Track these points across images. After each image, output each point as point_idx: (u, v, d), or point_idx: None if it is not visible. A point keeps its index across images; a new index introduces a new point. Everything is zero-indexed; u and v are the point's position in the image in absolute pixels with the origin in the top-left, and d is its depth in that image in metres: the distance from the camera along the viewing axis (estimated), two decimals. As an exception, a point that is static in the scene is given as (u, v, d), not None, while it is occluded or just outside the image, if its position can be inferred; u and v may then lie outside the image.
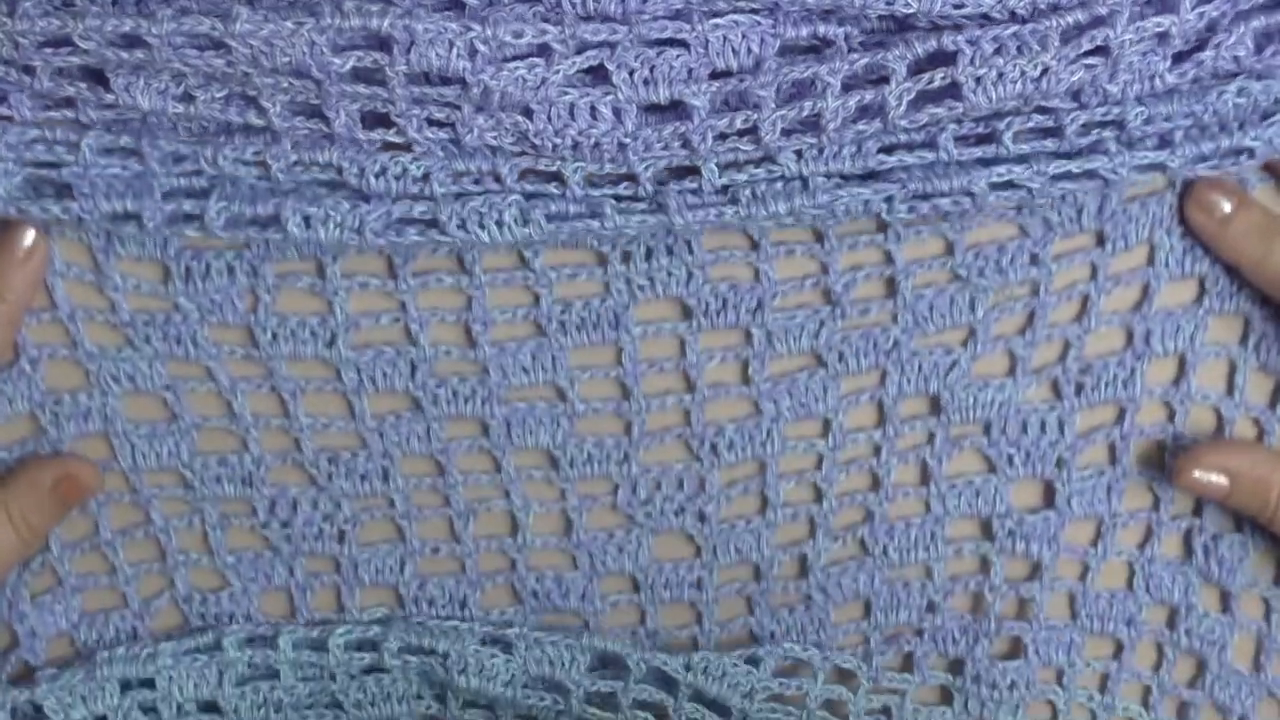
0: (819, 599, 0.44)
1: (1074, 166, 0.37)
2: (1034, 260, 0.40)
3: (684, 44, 0.36)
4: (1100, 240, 0.40)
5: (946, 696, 0.45)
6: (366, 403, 0.42)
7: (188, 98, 0.37)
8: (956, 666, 0.45)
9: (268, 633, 0.44)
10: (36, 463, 0.42)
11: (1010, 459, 0.42)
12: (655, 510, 0.43)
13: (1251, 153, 0.37)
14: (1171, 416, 0.42)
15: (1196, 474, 0.41)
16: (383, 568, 0.43)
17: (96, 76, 0.37)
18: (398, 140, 0.37)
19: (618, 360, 0.41)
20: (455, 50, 0.34)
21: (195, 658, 0.43)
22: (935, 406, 0.42)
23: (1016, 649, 0.45)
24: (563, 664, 0.43)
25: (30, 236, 0.40)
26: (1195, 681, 0.45)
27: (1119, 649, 0.44)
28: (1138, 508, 0.43)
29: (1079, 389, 0.42)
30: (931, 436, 0.42)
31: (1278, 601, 0.44)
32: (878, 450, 0.42)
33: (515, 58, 0.35)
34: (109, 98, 0.38)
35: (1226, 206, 0.40)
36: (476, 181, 0.38)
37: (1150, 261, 0.41)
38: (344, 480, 0.42)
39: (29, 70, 0.37)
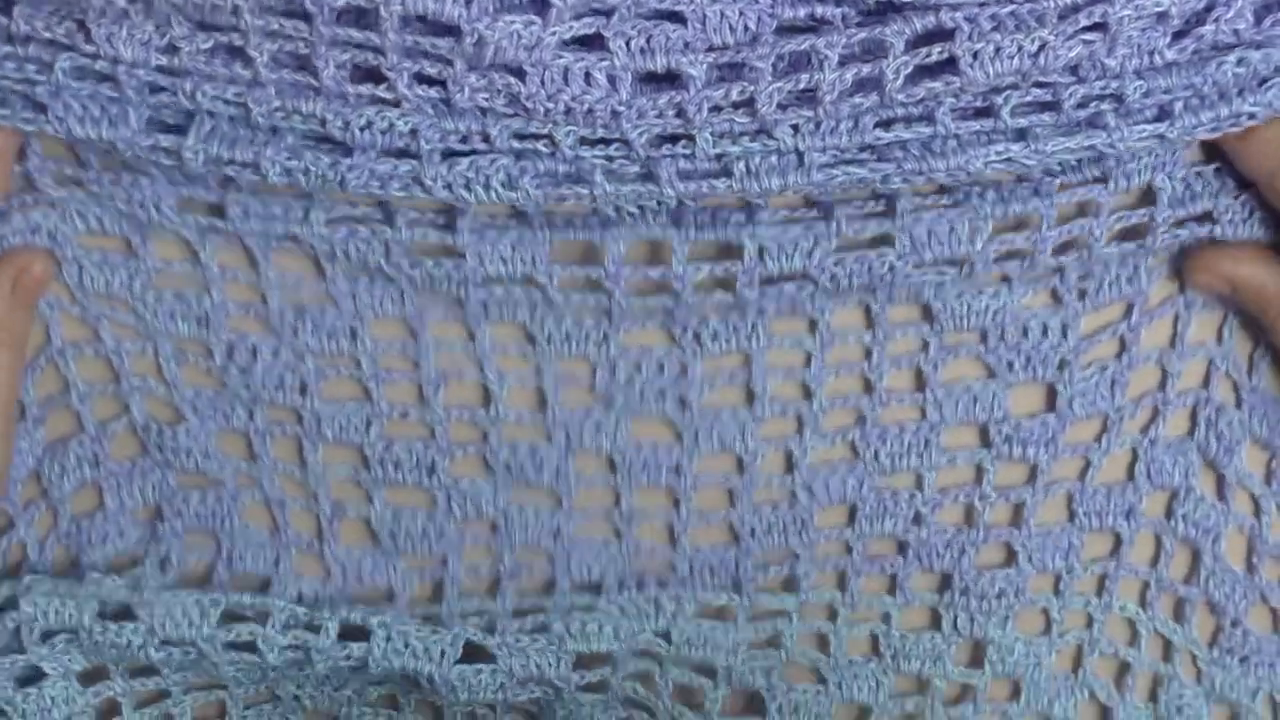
0: (803, 498, 0.43)
1: (1072, 143, 0.37)
2: (1036, 194, 0.40)
3: (682, 19, 0.36)
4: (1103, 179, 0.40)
5: (934, 620, 0.45)
6: (338, 268, 0.41)
7: (171, 49, 0.37)
8: (943, 583, 0.45)
9: (252, 614, 0.43)
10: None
11: (1009, 365, 0.42)
12: (635, 394, 0.42)
13: (1253, 116, 0.37)
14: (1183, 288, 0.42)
15: (1206, 277, 0.41)
16: (347, 425, 0.42)
17: (77, 23, 0.37)
18: (387, 96, 0.36)
19: (598, 253, 0.40)
20: None
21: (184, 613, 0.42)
22: (928, 315, 0.42)
23: (1007, 557, 0.44)
24: (548, 665, 0.43)
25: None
26: (1191, 577, 0.45)
27: (1117, 545, 0.44)
28: (1144, 391, 0.43)
29: (1081, 294, 0.41)
30: (925, 344, 0.42)
31: (1266, 502, 0.43)
32: (869, 353, 0.42)
33: (513, 9, 0.35)
34: (88, 47, 0.37)
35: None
36: (464, 140, 0.37)
37: (1152, 201, 0.40)
38: (309, 336, 0.42)
39: (5, 8, 0.37)
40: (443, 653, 0.42)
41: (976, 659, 0.45)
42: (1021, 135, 0.37)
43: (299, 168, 0.36)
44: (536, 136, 0.37)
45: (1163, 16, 0.36)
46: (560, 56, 0.35)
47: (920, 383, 0.43)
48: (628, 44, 0.36)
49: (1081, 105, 0.37)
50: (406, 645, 0.42)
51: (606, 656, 0.43)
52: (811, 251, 0.40)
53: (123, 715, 0.44)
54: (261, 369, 0.42)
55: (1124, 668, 0.46)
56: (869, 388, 0.43)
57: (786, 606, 0.44)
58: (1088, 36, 0.36)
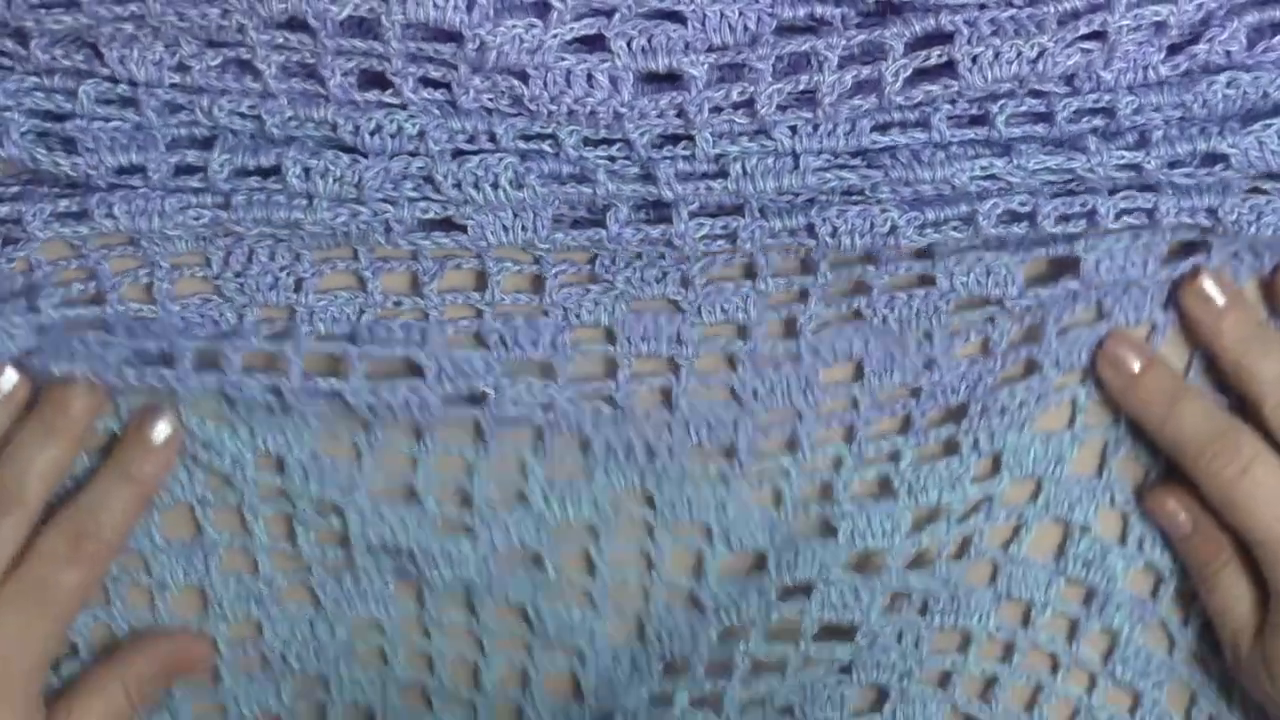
0: (808, 359, 0.42)
1: (1053, 162, 0.37)
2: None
3: (682, 19, 0.36)
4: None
5: (950, 447, 0.44)
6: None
7: (182, 67, 0.37)
8: (959, 411, 0.43)
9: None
10: (152, 637, 0.44)
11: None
12: (635, 277, 0.41)
13: (1227, 161, 0.37)
14: None
15: (1168, 505, 0.43)
16: (340, 315, 0.42)
17: (91, 48, 0.37)
18: (393, 101, 0.37)
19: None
20: (453, 1, 0.34)
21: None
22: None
23: (1027, 369, 0.43)
24: (530, 534, 0.43)
25: (165, 424, 0.42)
26: None
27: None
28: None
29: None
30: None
31: None
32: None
33: (514, 12, 0.35)
34: (104, 70, 0.38)
35: (1135, 365, 0.41)
36: (471, 140, 0.37)
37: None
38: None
39: (23, 40, 0.37)
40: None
41: (995, 469, 0.44)
42: (1006, 150, 0.37)
43: (318, 168, 0.37)
44: (541, 137, 0.37)
45: (1160, 28, 0.36)
46: (562, 58, 0.36)
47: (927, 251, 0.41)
48: (629, 44, 0.36)
49: (1074, 119, 0.37)
50: None
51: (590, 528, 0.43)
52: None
53: None
54: (257, 270, 0.41)
55: (1146, 474, 0.44)
56: (872, 259, 0.41)
57: (785, 464, 0.43)
58: (1086, 45, 0.36)
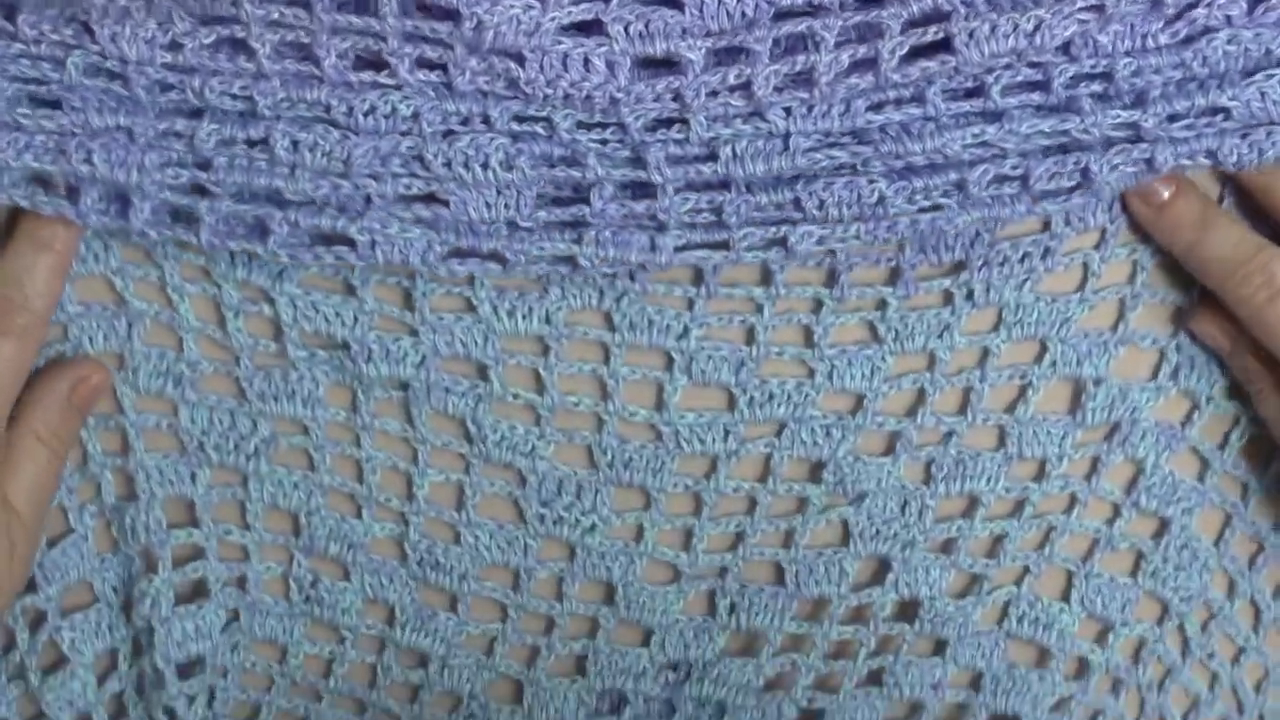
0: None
1: (1046, 125, 0.37)
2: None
3: (679, 4, 0.36)
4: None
5: (945, 299, 0.42)
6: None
7: (175, 45, 0.37)
8: (957, 266, 0.41)
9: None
10: (49, 375, 0.42)
11: None
12: None
13: (1228, 113, 0.37)
14: None
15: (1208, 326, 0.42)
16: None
17: (81, 25, 0.37)
18: (389, 81, 0.37)
19: None
20: None
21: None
22: None
23: (1043, 224, 0.41)
24: (475, 344, 0.42)
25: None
26: None
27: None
28: None
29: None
30: None
31: None
32: None
33: None
34: (95, 48, 0.37)
35: (1165, 193, 0.40)
36: (464, 122, 0.37)
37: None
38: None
39: (10, 14, 0.37)
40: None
41: (995, 325, 0.42)
42: (998, 117, 0.37)
43: (307, 141, 0.37)
44: (535, 119, 0.37)
45: (1157, 2, 0.36)
46: (559, 42, 0.36)
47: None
48: (626, 29, 0.36)
49: (1071, 85, 0.37)
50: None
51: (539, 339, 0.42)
52: None
53: None
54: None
55: (1178, 312, 0.43)
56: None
57: (757, 297, 0.41)
58: (1083, 16, 0.36)
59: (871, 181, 0.38)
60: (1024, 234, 0.41)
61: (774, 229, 0.38)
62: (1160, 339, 0.43)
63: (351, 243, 0.38)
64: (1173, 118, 0.37)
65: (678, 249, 0.38)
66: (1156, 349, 0.43)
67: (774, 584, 0.45)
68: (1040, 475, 0.43)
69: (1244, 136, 0.37)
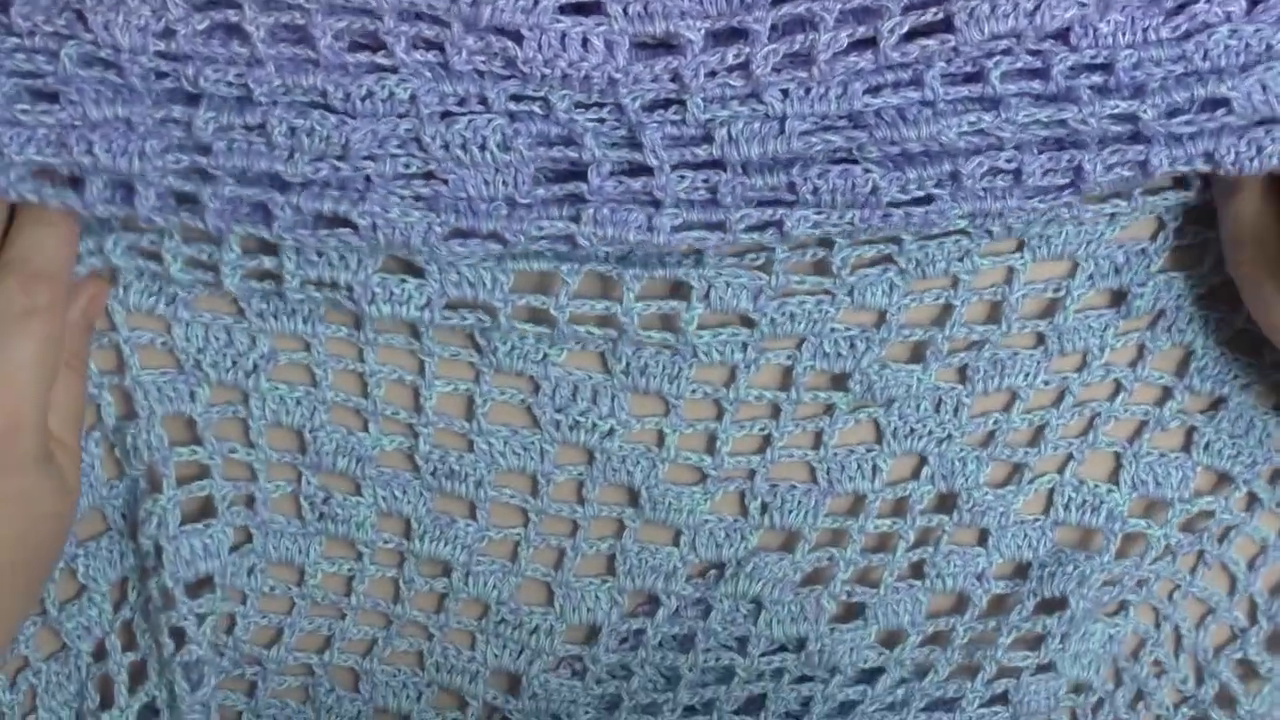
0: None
1: (1044, 115, 0.37)
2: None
3: None
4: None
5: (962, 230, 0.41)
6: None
7: (168, 32, 0.37)
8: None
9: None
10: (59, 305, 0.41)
11: None
12: None
13: (1229, 106, 0.37)
14: None
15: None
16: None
17: (75, 14, 0.37)
18: (385, 62, 0.36)
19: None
20: None
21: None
22: None
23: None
24: (484, 285, 0.41)
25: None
26: None
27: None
28: None
29: None
30: None
31: None
32: None
33: None
34: (88, 36, 0.37)
35: None
36: (461, 103, 0.37)
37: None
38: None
39: (3, 6, 0.37)
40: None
41: (1017, 246, 0.42)
42: (995, 104, 0.37)
43: (304, 127, 0.36)
44: (532, 99, 0.37)
45: None
46: (558, 20, 0.35)
47: None
48: (625, 9, 0.36)
49: (1071, 75, 0.37)
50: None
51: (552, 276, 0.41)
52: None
53: None
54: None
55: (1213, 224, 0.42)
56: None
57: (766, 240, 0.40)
58: None
59: (866, 170, 0.37)
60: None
61: (770, 211, 0.38)
62: (1206, 234, 0.42)
63: (354, 225, 0.38)
64: (1172, 112, 0.37)
65: (674, 229, 0.38)
66: (1200, 239, 0.42)
67: (806, 482, 0.45)
68: (1082, 366, 0.43)
69: (1241, 136, 0.37)
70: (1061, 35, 0.36)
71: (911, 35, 0.36)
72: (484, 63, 0.36)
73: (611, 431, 0.43)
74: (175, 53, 0.37)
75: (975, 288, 0.42)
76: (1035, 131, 0.37)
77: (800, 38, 0.36)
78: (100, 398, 0.44)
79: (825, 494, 0.44)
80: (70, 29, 0.37)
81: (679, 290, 0.41)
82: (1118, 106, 0.37)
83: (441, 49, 0.36)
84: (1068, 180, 0.38)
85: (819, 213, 0.38)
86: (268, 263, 0.41)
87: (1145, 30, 0.36)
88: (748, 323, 0.42)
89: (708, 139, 0.37)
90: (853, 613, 0.46)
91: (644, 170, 0.38)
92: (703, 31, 0.36)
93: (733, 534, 0.45)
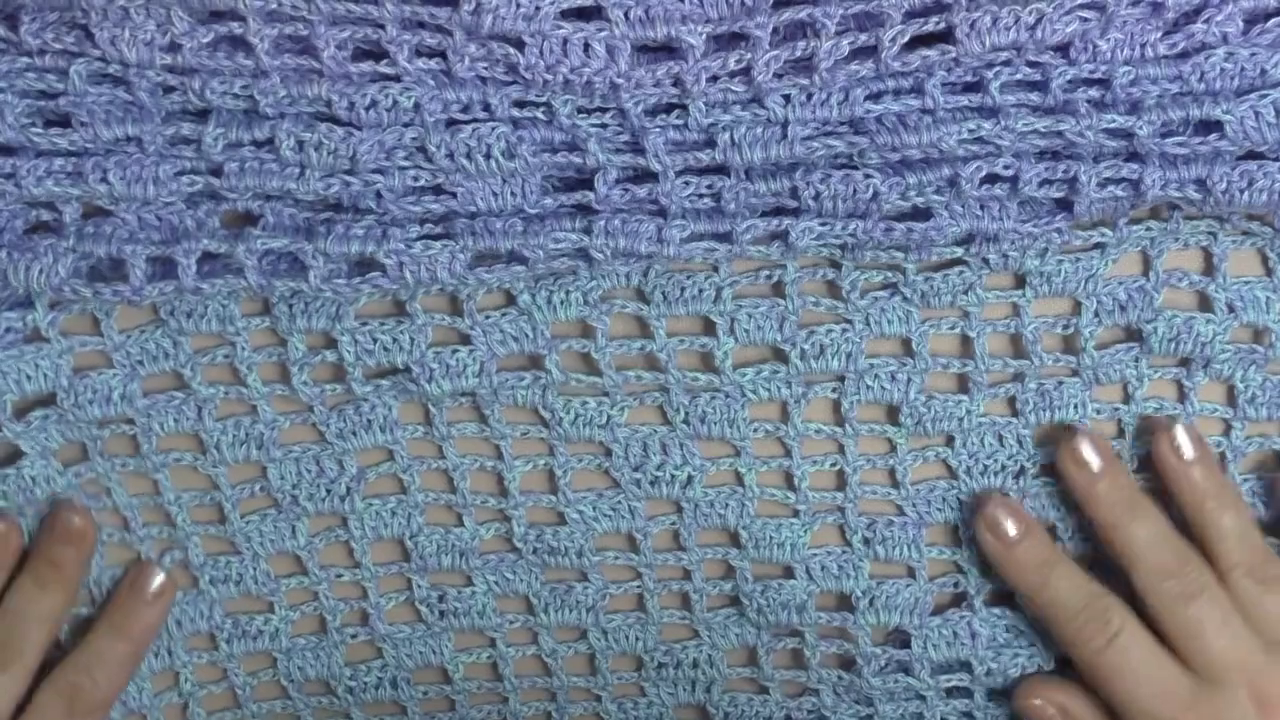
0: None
1: (1042, 125, 0.37)
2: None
3: None
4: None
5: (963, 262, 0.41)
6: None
7: (174, 46, 0.37)
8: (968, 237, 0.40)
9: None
10: (54, 515, 0.43)
11: None
12: None
13: (1221, 129, 0.37)
14: None
15: (1033, 703, 0.44)
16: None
17: (82, 30, 0.37)
18: (388, 71, 0.37)
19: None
20: None
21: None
22: None
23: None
24: (526, 337, 0.42)
25: (158, 579, 0.43)
26: None
27: None
28: None
29: None
30: None
31: None
32: None
33: None
34: (95, 52, 0.37)
35: (1013, 531, 0.42)
36: (465, 110, 0.37)
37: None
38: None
39: (13, 24, 0.37)
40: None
41: (1016, 283, 0.42)
42: (994, 114, 0.37)
43: (312, 141, 0.37)
44: (535, 105, 0.37)
45: (1158, 8, 0.36)
46: (559, 26, 0.36)
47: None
48: (626, 14, 0.36)
49: (1069, 89, 0.37)
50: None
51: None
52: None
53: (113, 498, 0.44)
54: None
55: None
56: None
57: (775, 255, 0.40)
58: (1084, 14, 0.36)
59: (867, 176, 0.38)
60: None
61: (775, 221, 0.38)
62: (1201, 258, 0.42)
63: (382, 267, 0.39)
64: (1166, 132, 0.37)
65: (683, 240, 0.38)
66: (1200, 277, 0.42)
67: (898, 515, 0.44)
68: (1127, 399, 0.43)
69: (1234, 167, 0.38)
70: (1061, 49, 0.37)
71: (913, 45, 0.36)
72: (486, 70, 0.36)
73: (690, 480, 0.44)
74: (182, 66, 0.37)
75: (987, 319, 0.42)
76: (1033, 141, 0.37)
77: (801, 44, 0.36)
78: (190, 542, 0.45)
79: (919, 525, 0.44)
80: (79, 46, 0.37)
81: (709, 328, 0.42)
82: (1114, 121, 0.37)
83: (444, 57, 0.36)
84: (1062, 194, 0.38)
85: (823, 223, 0.38)
86: (330, 356, 0.42)
87: (1143, 47, 0.37)
88: (781, 356, 0.42)
89: (710, 143, 0.37)
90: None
91: (649, 176, 0.38)
92: (704, 36, 0.36)
93: (845, 565, 0.45)
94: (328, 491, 0.44)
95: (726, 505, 0.44)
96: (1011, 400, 0.43)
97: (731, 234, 0.38)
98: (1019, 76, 0.37)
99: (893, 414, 0.43)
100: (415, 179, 0.38)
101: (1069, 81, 0.37)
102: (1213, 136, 0.37)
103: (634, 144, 0.37)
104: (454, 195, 0.38)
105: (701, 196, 0.38)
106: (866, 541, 0.44)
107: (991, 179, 0.38)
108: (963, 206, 0.38)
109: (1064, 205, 0.39)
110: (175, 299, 0.40)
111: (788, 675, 0.46)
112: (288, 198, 0.38)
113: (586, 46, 0.36)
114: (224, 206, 0.39)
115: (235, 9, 0.36)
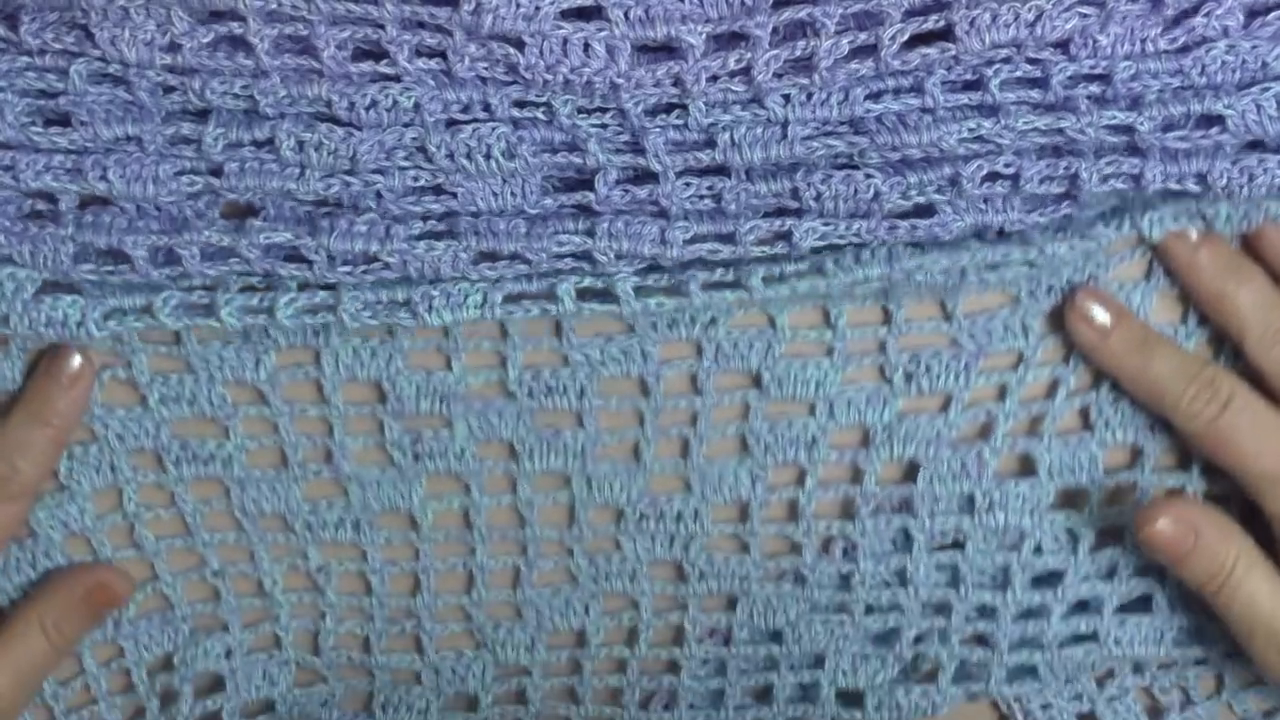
0: None
1: (1042, 123, 0.37)
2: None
3: None
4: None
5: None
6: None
7: (174, 46, 0.37)
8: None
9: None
10: (69, 573, 0.43)
11: None
12: None
13: (1223, 123, 0.37)
14: None
15: (1158, 528, 0.41)
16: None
17: (82, 30, 0.37)
18: (388, 71, 0.37)
19: None
20: None
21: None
22: None
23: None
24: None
25: (76, 361, 0.41)
26: None
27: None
28: None
29: None
30: None
31: None
32: None
33: None
34: (95, 52, 0.37)
35: (1106, 318, 0.41)
36: (465, 110, 0.37)
37: None
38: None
39: (13, 24, 0.37)
40: None
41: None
42: (995, 112, 0.37)
43: (312, 141, 0.37)
44: (535, 105, 0.37)
45: (1158, 3, 0.36)
46: (559, 26, 0.36)
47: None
48: (626, 14, 0.36)
49: (1070, 85, 0.37)
50: None
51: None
52: None
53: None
54: None
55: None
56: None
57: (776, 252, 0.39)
58: (1084, 10, 0.36)
59: (868, 176, 0.38)
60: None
61: (778, 222, 0.38)
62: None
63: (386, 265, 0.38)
64: (1168, 126, 0.37)
65: (686, 242, 0.38)
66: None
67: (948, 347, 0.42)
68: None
69: (1235, 162, 0.38)
70: (1061, 45, 0.37)
71: (913, 44, 0.36)
72: (486, 70, 0.36)
73: (714, 321, 0.41)
74: (181, 66, 0.37)
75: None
76: (1034, 139, 0.37)
77: (801, 44, 0.36)
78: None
79: (976, 356, 0.42)
80: (78, 46, 0.37)
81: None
82: (1115, 117, 0.37)
83: (444, 57, 0.36)
84: (1063, 189, 0.38)
85: (826, 223, 0.38)
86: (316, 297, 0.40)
87: (1144, 42, 0.37)
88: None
89: (710, 144, 0.37)
90: (1025, 467, 0.44)
91: (649, 177, 0.38)
92: (704, 35, 0.36)
93: (874, 399, 0.42)
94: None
95: (751, 346, 0.42)
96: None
97: (735, 235, 0.38)
98: (1019, 74, 0.37)
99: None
100: (415, 179, 0.38)
101: (1069, 78, 0.37)
102: (1214, 130, 0.37)
103: (634, 144, 0.37)
104: (454, 195, 0.38)
105: (702, 198, 0.38)
106: (909, 377, 0.42)
107: (993, 176, 0.38)
108: (965, 203, 0.38)
109: (1067, 197, 0.39)
110: None
111: (774, 530, 0.44)
112: (289, 197, 0.38)
113: (586, 46, 0.36)
114: (224, 198, 0.39)
115: (235, 9, 0.36)
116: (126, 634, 0.45)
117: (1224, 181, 0.38)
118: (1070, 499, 0.44)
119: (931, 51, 0.36)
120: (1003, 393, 0.42)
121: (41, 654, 0.42)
